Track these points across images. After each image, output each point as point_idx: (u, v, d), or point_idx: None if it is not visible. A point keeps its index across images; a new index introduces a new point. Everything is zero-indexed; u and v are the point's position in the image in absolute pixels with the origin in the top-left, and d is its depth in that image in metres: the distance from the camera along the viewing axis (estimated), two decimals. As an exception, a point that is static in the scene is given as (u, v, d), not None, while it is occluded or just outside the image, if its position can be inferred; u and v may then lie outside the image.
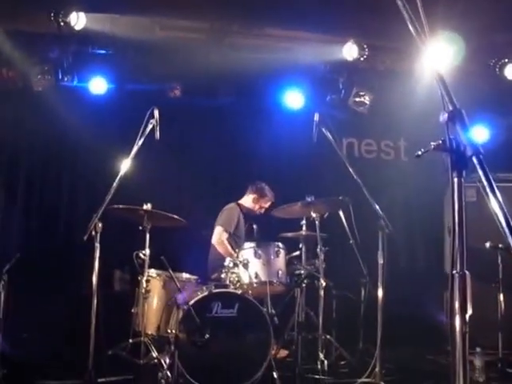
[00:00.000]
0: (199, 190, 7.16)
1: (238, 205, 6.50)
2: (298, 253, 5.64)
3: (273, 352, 5.01)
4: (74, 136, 6.64)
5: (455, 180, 2.08)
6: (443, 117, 2.09)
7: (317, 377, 4.98)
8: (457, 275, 2.04)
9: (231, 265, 5.33)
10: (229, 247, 6.06)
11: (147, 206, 5.14)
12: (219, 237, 6.18)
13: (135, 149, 4.99)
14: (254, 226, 5.58)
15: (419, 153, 2.51)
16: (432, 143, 2.14)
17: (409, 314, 6.75)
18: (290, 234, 5.80)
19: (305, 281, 5.40)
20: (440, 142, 2.11)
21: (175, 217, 5.18)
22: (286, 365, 5.34)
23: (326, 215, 5.54)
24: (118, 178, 4.85)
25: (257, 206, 6.49)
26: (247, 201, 6.53)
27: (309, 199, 5.39)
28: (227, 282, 5.28)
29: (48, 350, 5.63)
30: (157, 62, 6.68)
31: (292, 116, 7.37)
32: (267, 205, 6.47)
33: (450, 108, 2.09)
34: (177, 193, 7.06)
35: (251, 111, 7.38)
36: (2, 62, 6.49)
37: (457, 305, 2.03)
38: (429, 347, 6.53)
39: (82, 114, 6.71)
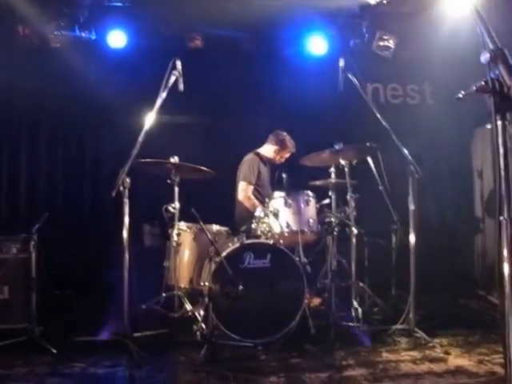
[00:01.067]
0: (225, 141, 7.13)
1: (257, 154, 6.44)
2: (327, 201, 5.60)
3: (306, 301, 4.99)
4: (95, 92, 6.49)
5: (499, 123, 1.98)
6: (484, 57, 1.98)
7: (351, 324, 5.00)
8: (504, 221, 1.97)
9: (262, 215, 5.31)
10: (256, 201, 6.03)
11: (174, 159, 5.12)
12: (245, 193, 6.14)
13: (159, 102, 4.91)
14: (284, 175, 5.49)
15: (460, 95, 2.41)
16: (474, 85, 2.04)
17: (440, 259, 6.73)
18: (318, 183, 5.75)
19: (336, 229, 5.36)
20: (482, 82, 2.01)
21: (203, 168, 5.15)
22: (319, 313, 5.32)
23: (354, 162, 5.46)
24: (143, 132, 4.78)
25: (277, 157, 6.44)
26: (267, 151, 6.46)
27: (337, 147, 5.31)
28: (258, 233, 5.27)
29: (81, 308, 5.71)
30: (175, 13, 6.52)
31: (316, 62, 7.23)
32: (288, 155, 6.43)
33: (491, 47, 1.98)
34: (203, 144, 7.02)
35: (273, 59, 7.24)
36: (17, 20, 6.38)
37: (505, 251, 1.97)
38: (461, 292, 6.52)
39: (102, 69, 6.61)
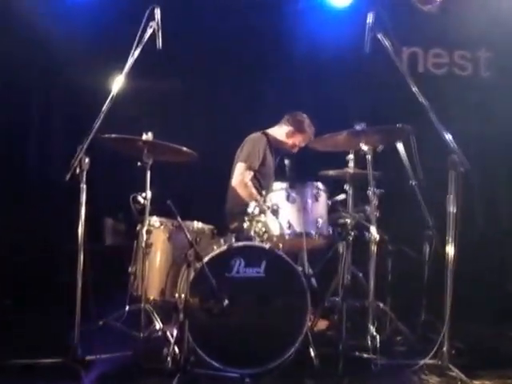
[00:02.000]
0: (215, 117, 7.24)
1: (266, 135, 6.56)
2: (343, 196, 5.66)
3: (309, 323, 5.06)
4: (55, 47, 6.67)
5: None
6: None
7: (366, 356, 4.99)
8: None
9: (257, 211, 5.35)
10: (253, 190, 6.16)
11: (147, 136, 5.15)
12: (242, 177, 6.27)
13: (130, 62, 4.96)
14: (286, 162, 5.59)
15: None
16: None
17: (486, 277, 6.77)
18: (332, 172, 5.82)
19: (352, 232, 5.40)
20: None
21: (184, 149, 5.22)
22: (326, 340, 5.39)
23: (379, 148, 5.53)
24: (110, 99, 4.82)
25: (290, 142, 6.58)
26: (279, 132, 6.61)
27: (358, 127, 5.30)
28: (251, 234, 5.31)
29: (21, 322, 5.81)
30: None
31: (337, 17, 7.35)
32: (303, 143, 6.56)
33: None
34: (186, 119, 7.12)
35: (282, 11, 7.35)
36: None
37: None
38: (510, 321, 6.55)
39: (64, 20, 6.76)
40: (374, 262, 5.25)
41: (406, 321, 5.70)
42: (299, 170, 5.63)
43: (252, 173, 6.33)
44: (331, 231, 5.53)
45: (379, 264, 5.38)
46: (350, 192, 5.62)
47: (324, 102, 7.06)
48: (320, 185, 5.55)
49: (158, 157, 5.27)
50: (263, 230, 5.34)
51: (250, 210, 5.41)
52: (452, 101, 6.88)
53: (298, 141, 6.59)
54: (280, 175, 5.67)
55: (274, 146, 6.59)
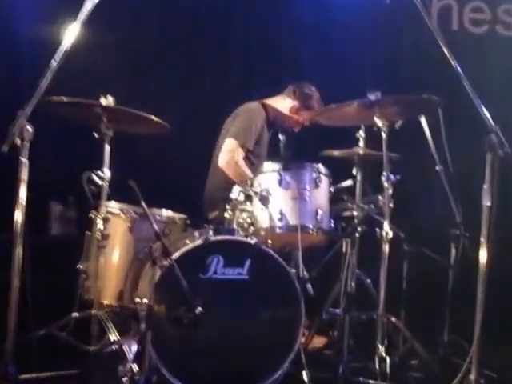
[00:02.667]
0: (196, 75, 7.25)
1: (264, 106, 6.58)
2: (349, 182, 5.69)
3: (303, 339, 5.07)
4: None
5: None
6: None
7: (372, 382, 5.00)
8: None
9: (241, 198, 5.34)
10: (246, 170, 6.15)
11: (107, 100, 5.15)
12: (231, 155, 6.26)
13: (88, 7, 4.94)
14: (281, 137, 5.58)
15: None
16: None
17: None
18: (337, 153, 5.84)
19: (359, 228, 5.45)
20: None
21: (153, 118, 5.21)
22: (323, 360, 5.41)
23: (398, 124, 5.56)
24: (60, 54, 4.79)
25: (293, 118, 6.61)
26: (281, 105, 6.66)
27: (372, 97, 5.32)
28: (234, 226, 5.33)
29: None
30: None
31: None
32: (308, 122, 6.58)
33: None
34: (158, 82, 7.15)
35: None
36: None
37: None
38: None
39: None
40: (386, 265, 5.22)
41: (424, 340, 5.60)
42: (296, 148, 5.57)
43: (243, 151, 6.33)
44: (333, 225, 5.50)
45: (392, 268, 5.31)
46: (359, 177, 5.69)
47: (330, 65, 7.01)
48: (321, 167, 5.49)
49: (119, 127, 5.30)
50: (249, 221, 5.33)
51: (232, 195, 5.40)
52: (493, 67, 6.82)
53: (302, 118, 6.62)
54: (272, 154, 5.59)
55: (273, 120, 6.60)
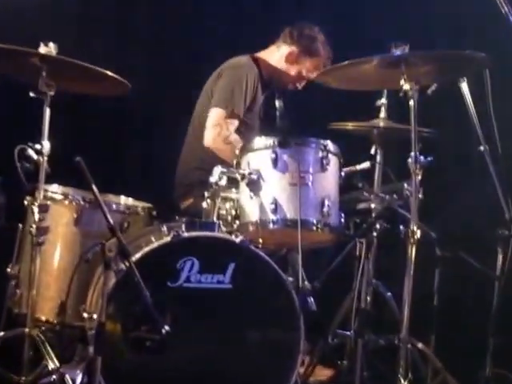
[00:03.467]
0: (168, 32, 7.33)
1: (255, 60, 6.56)
2: (366, 165, 5.70)
3: (302, 370, 5.10)
4: None
5: None
6: None
7: None
8: None
9: (223, 182, 5.26)
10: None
11: (48, 48, 5.08)
12: (218, 130, 6.23)
13: None
14: (278, 103, 5.53)
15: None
16: None
17: None
18: (351, 126, 5.85)
19: (377, 224, 5.44)
20: None
21: (108, 73, 5.15)
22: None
23: (431, 89, 5.53)
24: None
25: (293, 71, 6.58)
26: (275, 57, 6.66)
27: (398, 51, 5.26)
28: (214, 218, 5.27)
29: None
30: None
31: None
32: (313, 74, 6.50)
33: None
34: (114, 27, 7.16)
35: None
36: None
37: None
38: None
39: None
40: (412, 274, 5.16)
41: (460, 373, 5.54)
42: (297, 118, 5.52)
43: (236, 121, 6.30)
44: (344, 221, 5.47)
45: (420, 278, 5.27)
46: (379, 158, 5.69)
47: (344, 10, 6.94)
48: (330, 145, 5.43)
49: (64, 84, 5.21)
50: (233, 212, 5.35)
51: (212, 179, 5.29)
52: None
53: (305, 69, 6.59)
54: (265, 125, 5.53)
55: (267, 78, 6.57)
